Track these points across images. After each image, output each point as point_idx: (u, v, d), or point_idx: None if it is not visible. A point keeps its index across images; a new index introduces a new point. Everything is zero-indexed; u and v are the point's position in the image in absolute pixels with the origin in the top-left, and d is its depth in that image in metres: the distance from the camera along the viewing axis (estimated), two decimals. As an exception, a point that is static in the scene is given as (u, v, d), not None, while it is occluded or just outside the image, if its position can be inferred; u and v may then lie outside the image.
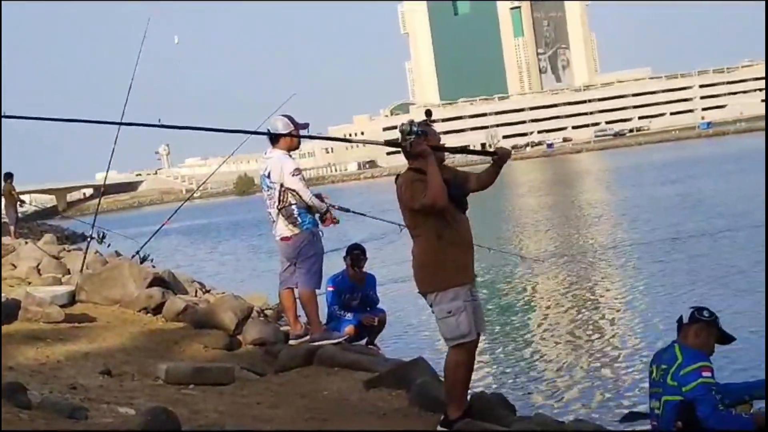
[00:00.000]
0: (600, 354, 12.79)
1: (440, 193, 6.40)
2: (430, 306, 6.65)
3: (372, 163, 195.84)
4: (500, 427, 6.71)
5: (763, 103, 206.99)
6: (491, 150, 6.84)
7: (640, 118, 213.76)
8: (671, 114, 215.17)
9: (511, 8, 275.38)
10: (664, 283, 17.93)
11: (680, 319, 6.10)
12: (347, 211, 10.57)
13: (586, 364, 12.24)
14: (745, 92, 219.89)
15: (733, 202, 33.28)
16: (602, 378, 11.44)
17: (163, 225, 15.36)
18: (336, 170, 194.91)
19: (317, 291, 10.06)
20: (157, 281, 12.21)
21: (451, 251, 6.52)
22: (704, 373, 5.78)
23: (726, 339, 6.16)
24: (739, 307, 14.38)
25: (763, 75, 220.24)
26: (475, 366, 12.35)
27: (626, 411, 9.63)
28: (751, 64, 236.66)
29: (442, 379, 7.25)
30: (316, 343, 9.60)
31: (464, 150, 7.68)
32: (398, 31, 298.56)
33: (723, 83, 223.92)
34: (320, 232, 9.97)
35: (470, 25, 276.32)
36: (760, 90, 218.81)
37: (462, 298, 6.50)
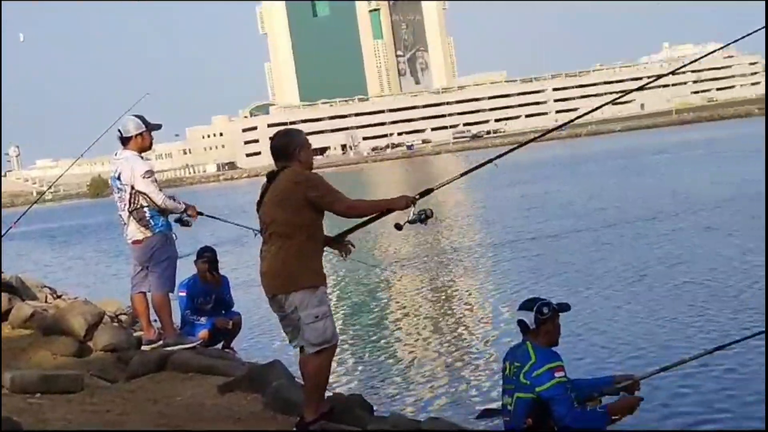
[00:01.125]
0: (455, 353, 12.97)
1: (358, 214, 6.55)
2: (290, 310, 6.46)
3: (231, 165, 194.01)
4: (355, 428, 6.72)
5: (614, 107, 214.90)
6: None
7: (496, 120, 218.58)
8: (526, 116, 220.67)
9: (370, 11, 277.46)
10: (513, 281, 18.37)
11: (522, 322, 6.20)
12: (200, 214, 10.40)
13: (442, 364, 12.40)
14: (596, 96, 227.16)
15: (580, 202, 34.38)
16: (458, 376, 11.60)
17: (9, 228, 14.77)
18: (194, 172, 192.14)
19: (171, 295, 9.88)
20: (4, 287, 11.76)
21: (317, 252, 6.53)
22: (557, 374, 5.91)
23: (564, 309, 6.37)
24: (574, 305, 14.84)
25: (614, 79, 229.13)
26: (335, 367, 12.45)
27: (482, 408, 9.79)
28: (602, 68, 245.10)
29: (299, 382, 7.21)
30: (170, 348, 9.43)
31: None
32: (257, 31, 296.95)
33: (575, 87, 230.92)
34: (173, 235, 9.79)
35: (329, 27, 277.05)
36: (611, 93, 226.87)
37: (326, 303, 6.50)
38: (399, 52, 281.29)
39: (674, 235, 22.11)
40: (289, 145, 6.66)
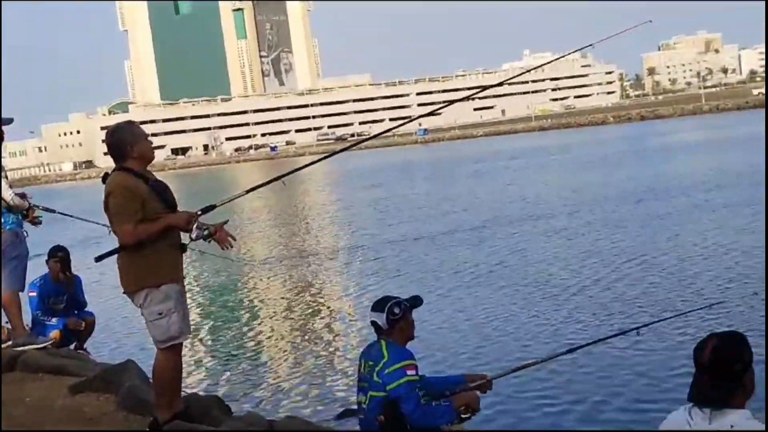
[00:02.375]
0: (318, 354, 13.03)
1: (137, 239, 6.20)
2: (139, 307, 6.38)
3: (89, 164, 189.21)
4: (209, 428, 6.65)
5: (476, 112, 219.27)
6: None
7: (361, 123, 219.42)
8: (390, 120, 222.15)
9: (234, 10, 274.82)
10: (372, 281, 18.60)
11: (375, 324, 6.23)
12: (52, 212, 10.11)
13: (305, 364, 12.44)
14: (460, 101, 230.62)
15: (434, 205, 35.07)
16: (321, 376, 11.67)
17: None
18: (50, 170, 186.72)
19: (21, 294, 9.58)
20: None
21: (162, 250, 6.28)
22: (408, 372, 5.96)
23: (416, 304, 6.39)
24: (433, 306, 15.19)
25: (477, 84, 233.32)
26: (195, 368, 12.32)
27: (343, 408, 9.86)
28: (465, 74, 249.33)
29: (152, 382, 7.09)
30: (20, 348, 9.15)
31: None
32: (117, 27, 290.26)
33: (438, 92, 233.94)
34: (24, 233, 9.51)
35: (192, 25, 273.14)
36: (473, 99, 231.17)
37: (174, 298, 6.30)
38: (263, 53, 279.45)
39: (521, 238, 22.84)
40: (120, 144, 6.34)
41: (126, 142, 6.36)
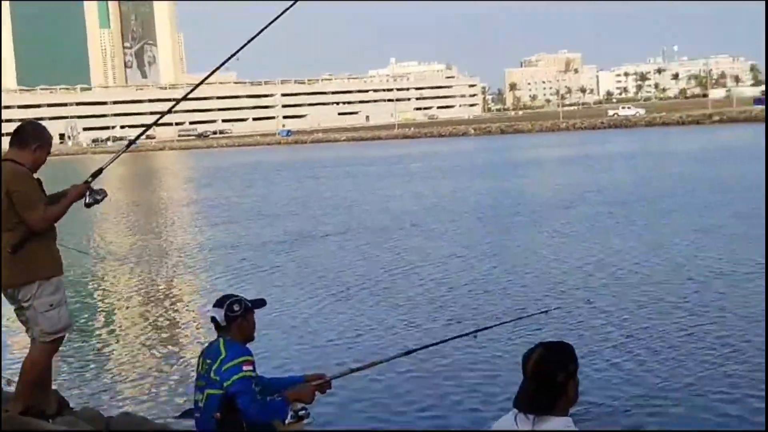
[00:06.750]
0: (167, 351, 12.94)
1: (49, 223, 6.37)
2: (22, 301, 6.36)
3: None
4: (40, 421, 6.58)
5: (340, 117, 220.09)
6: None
7: (223, 120, 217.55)
8: (254, 119, 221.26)
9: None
10: (228, 281, 18.51)
11: (213, 319, 6.27)
12: None
13: (153, 361, 12.34)
14: (323, 104, 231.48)
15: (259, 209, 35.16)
16: (169, 375, 11.59)
17: None
18: None
19: None
20: None
21: (49, 243, 6.43)
22: (245, 367, 6.00)
23: (259, 305, 6.44)
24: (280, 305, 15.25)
25: (342, 89, 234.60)
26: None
27: (183, 408, 9.83)
28: (330, 78, 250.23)
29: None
30: None
31: None
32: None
33: (303, 94, 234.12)
34: None
35: (54, 11, 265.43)
36: (337, 103, 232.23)
37: (62, 290, 6.42)
38: (126, 44, 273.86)
39: (350, 245, 22.97)
40: (31, 138, 6.64)
41: (36, 140, 6.61)
